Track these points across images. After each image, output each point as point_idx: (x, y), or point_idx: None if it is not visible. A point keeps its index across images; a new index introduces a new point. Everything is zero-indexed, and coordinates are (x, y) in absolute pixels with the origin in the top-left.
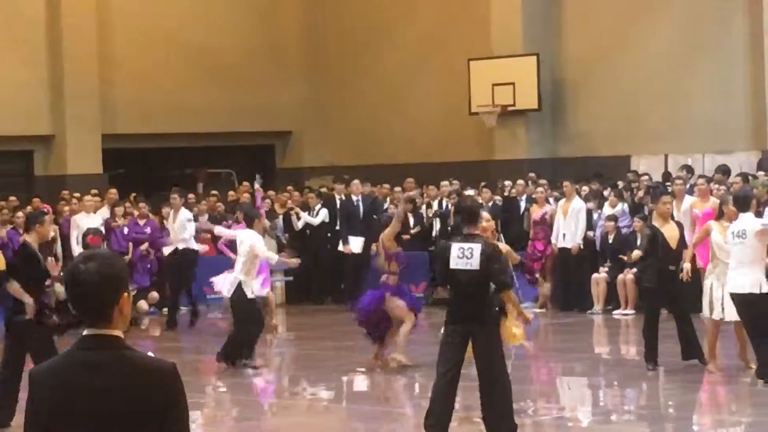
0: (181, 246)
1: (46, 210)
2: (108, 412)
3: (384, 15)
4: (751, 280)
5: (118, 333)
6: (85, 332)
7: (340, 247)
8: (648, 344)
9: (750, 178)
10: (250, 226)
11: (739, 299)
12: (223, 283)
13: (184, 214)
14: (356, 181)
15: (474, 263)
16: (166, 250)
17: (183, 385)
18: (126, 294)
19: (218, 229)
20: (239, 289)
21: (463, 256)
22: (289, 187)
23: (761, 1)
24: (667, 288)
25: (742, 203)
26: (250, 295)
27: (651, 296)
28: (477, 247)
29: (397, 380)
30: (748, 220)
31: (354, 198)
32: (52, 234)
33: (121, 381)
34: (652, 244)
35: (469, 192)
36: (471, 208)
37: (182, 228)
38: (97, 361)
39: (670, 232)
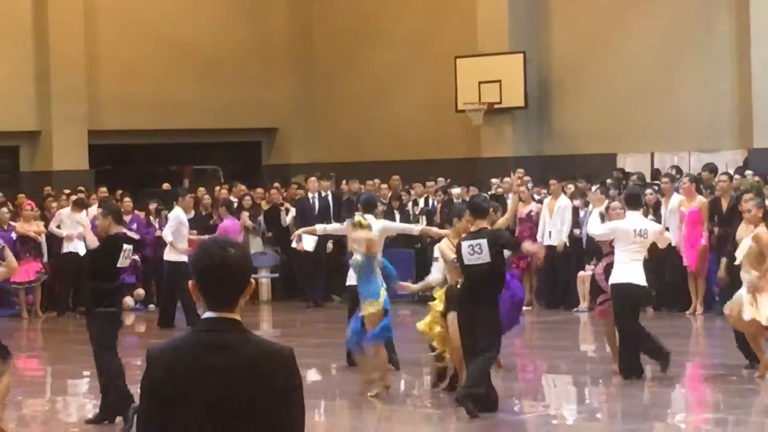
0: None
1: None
2: (232, 392)
3: (372, 12)
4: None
5: (239, 317)
6: (207, 315)
7: (294, 245)
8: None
9: (736, 177)
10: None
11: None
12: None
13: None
14: (312, 179)
15: (485, 256)
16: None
17: (299, 370)
18: (252, 282)
19: None
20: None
21: (474, 252)
22: (276, 184)
23: (747, 0)
24: None
25: (634, 202)
26: None
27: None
28: (484, 242)
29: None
30: (642, 220)
31: (310, 195)
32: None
33: (246, 362)
34: None
35: (456, 190)
36: (477, 204)
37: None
38: (223, 342)
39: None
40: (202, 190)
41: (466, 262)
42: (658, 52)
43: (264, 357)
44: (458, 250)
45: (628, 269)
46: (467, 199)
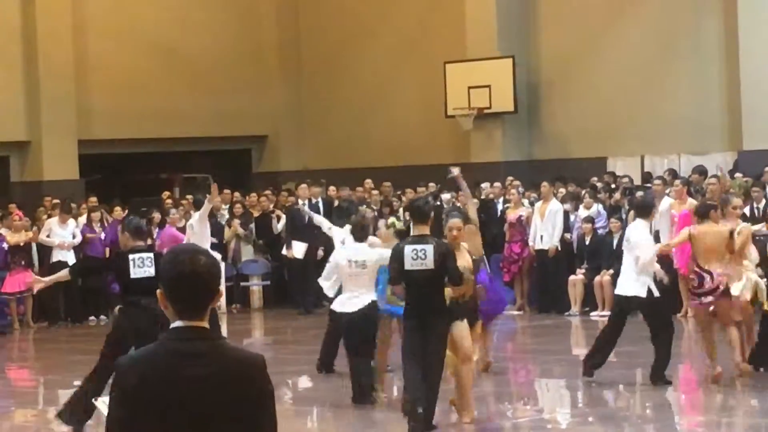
0: None
1: None
2: (207, 400)
3: (360, 19)
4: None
5: (207, 325)
6: (176, 324)
7: (284, 251)
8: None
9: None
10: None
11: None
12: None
13: None
14: (303, 186)
15: (428, 263)
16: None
17: (270, 377)
18: (221, 290)
19: None
20: None
21: (417, 257)
22: (267, 192)
23: (735, 1)
24: None
25: (643, 210)
26: None
27: None
28: (429, 248)
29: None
30: (634, 229)
31: (300, 202)
32: None
33: (220, 370)
34: None
35: (446, 195)
36: (419, 208)
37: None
38: (196, 350)
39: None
40: (191, 197)
41: (407, 267)
42: (647, 55)
43: (238, 365)
44: (398, 254)
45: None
46: (458, 204)
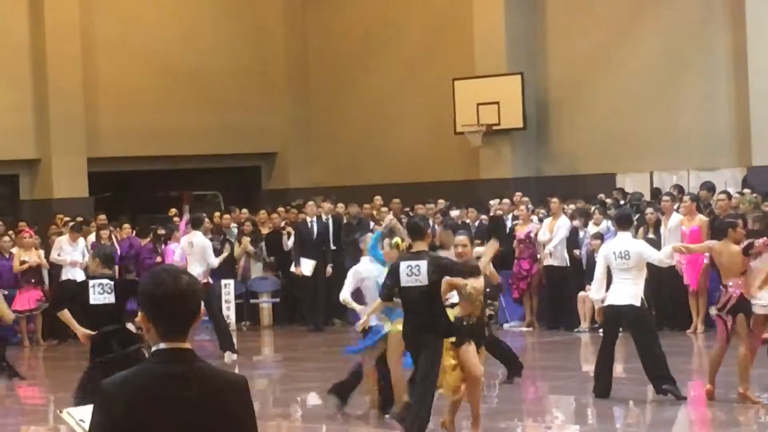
0: None
1: None
2: (195, 422)
3: (369, 36)
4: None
5: (190, 346)
6: (160, 346)
7: (293, 269)
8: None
9: (737, 194)
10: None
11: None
12: None
13: None
14: (311, 203)
15: (422, 279)
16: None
17: (251, 398)
18: (203, 310)
19: None
20: None
21: (412, 273)
22: (280, 208)
23: (744, 18)
24: None
25: (624, 222)
26: None
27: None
28: (423, 264)
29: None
30: (629, 241)
31: (309, 219)
32: None
33: (206, 392)
34: None
35: (455, 212)
36: (415, 225)
37: None
38: (182, 372)
39: None
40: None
41: (403, 284)
42: (656, 71)
43: (222, 386)
44: (395, 271)
45: (614, 290)
46: (467, 221)
